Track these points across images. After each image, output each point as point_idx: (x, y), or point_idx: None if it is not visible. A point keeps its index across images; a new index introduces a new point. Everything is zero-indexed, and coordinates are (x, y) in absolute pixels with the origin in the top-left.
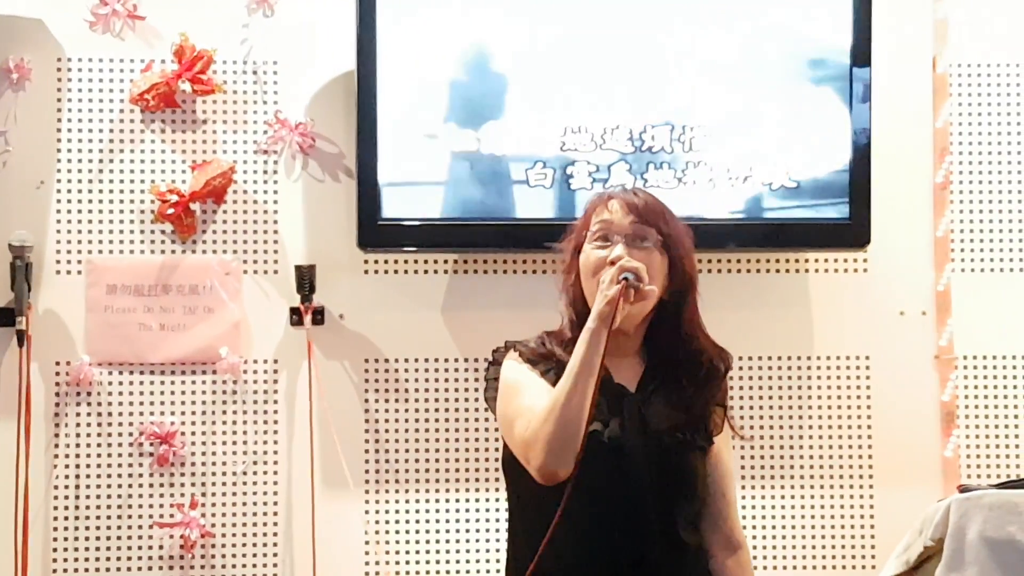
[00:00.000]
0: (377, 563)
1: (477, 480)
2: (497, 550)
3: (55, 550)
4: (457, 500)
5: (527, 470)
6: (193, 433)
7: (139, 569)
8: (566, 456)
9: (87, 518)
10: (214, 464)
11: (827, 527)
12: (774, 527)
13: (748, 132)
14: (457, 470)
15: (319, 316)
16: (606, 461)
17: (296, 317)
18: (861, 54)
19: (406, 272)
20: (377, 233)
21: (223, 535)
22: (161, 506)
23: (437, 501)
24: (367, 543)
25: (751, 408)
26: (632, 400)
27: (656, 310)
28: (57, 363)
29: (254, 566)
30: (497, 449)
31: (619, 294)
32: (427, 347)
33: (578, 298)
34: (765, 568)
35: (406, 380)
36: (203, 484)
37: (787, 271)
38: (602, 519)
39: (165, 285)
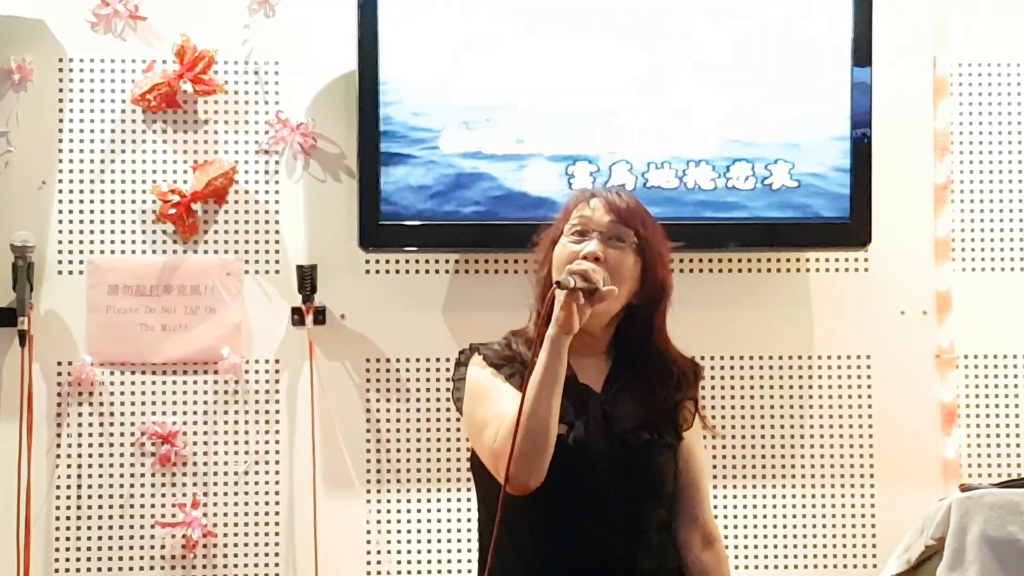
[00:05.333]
0: (379, 562)
1: None
2: None
3: (57, 550)
4: (458, 500)
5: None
6: (195, 433)
7: (141, 569)
8: (535, 466)
9: (89, 518)
10: (216, 464)
11: (828, 527)
12: (775, 527)
13: (749, 132)
14: (458, 470)
15: (320, 316)
16: (570, 464)
17: (297, 317)
18: (861, 54)
19: (407, 272)
20: (378, 233)
21: (225, 535)
22: (163, 506)
23: (438, 501)
24: (368, 543)
25: (751, 408)
26: (597, 400)
27: (625, 313)
28: (59, 363)
29: (256, 566)
30: None
31: (569, 298)
32: (428, 347)
33: (548, 292)
34: (766, 568)
35: (407, 380)
36: (205, 484)
37: (788, 271)
38: (568, 523)
39: (167, 285)
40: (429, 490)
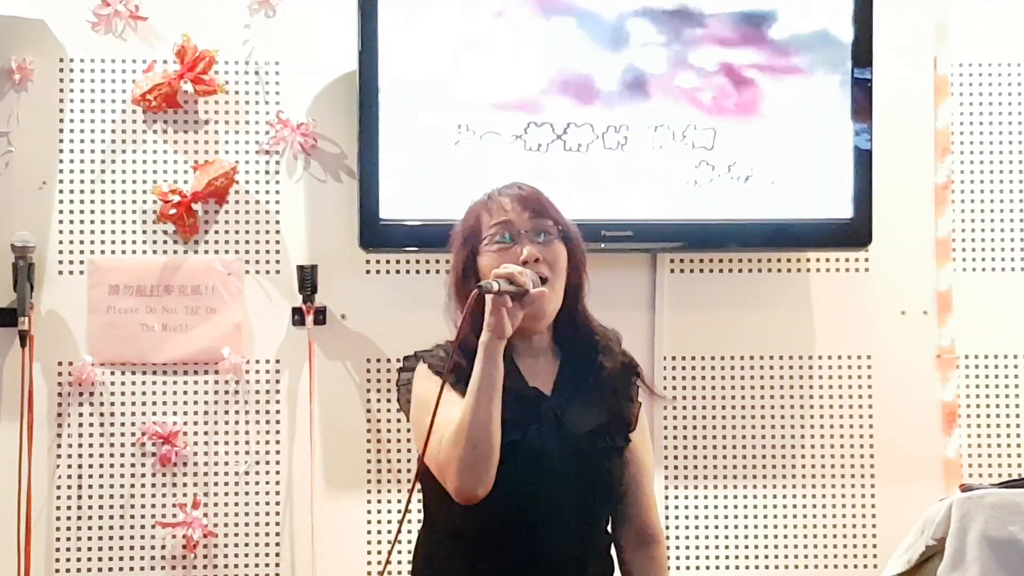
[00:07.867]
0: (379, 563)
1: None
2: None
3: (57, 550)
4: None
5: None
6: (195, 433)
7: (141, 569)
8: (480, 475)
9: (89, 518)
10: (216, 464)
11: (829, 527)
12: (775, 527)
13: (749, 132)
14: None
15: (321, 316)
16: (526, 469)
17: (298, 317)
18: (862, 54)
19: (408, 272)
20: (379, 233)
21: (225, 535)
22: (163, 506)
23: None
24: (368, 543)
25: (751, 408)
26: (549, 404)
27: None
28: (59, 363)
29: (256, 566)
30: None
31: (496, 302)
32: (428, 347)
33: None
34: (766, 568)
35: None
36: (205, 484)
37: (789, 271)
38: (521, 529)
39: (167, 285)
40: None
